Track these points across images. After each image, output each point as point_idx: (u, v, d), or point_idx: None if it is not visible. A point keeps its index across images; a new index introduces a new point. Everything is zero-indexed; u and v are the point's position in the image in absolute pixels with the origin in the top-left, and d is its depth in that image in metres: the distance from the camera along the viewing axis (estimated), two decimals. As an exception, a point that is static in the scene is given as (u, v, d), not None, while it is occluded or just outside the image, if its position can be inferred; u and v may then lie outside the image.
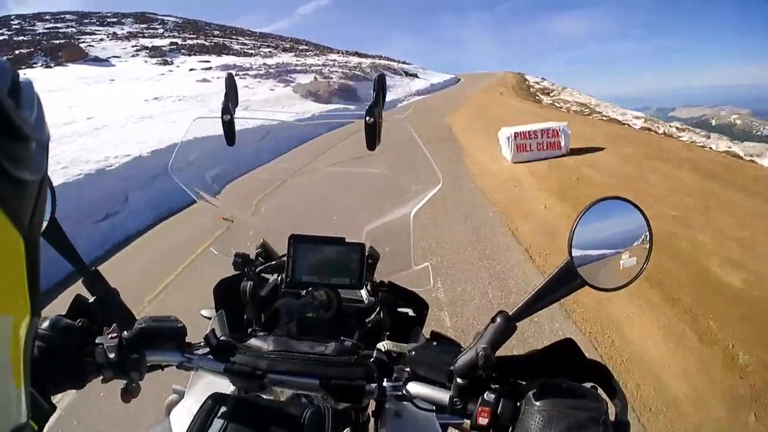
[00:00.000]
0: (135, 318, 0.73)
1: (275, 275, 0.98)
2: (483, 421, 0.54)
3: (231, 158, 1.11)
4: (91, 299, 0.73)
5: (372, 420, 0.78)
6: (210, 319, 0.94)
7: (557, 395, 0.50)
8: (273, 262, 0.99)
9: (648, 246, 0.52)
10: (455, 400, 0.58)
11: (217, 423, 0.58)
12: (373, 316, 0.91)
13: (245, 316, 0.95)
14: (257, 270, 0.96)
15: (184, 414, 0.75)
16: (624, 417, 0.51)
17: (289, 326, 0.88)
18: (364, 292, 0.94)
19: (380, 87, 0.76)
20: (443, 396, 0.60)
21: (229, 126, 0.85)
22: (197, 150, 1.09)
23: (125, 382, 0.70)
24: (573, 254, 0.51)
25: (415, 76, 32.88)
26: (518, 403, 0.53)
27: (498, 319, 0.55)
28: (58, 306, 0.69)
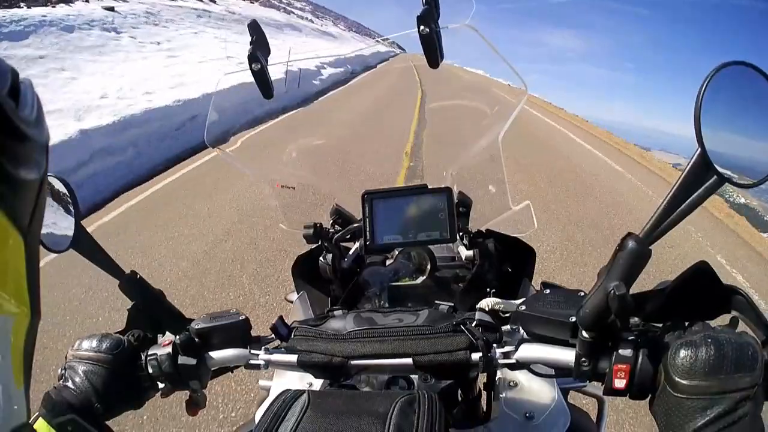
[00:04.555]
0: (187, 319, 0.64)
1: (358, 242, 0.83)
2: (620, 383, 0.43)
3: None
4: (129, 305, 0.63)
5: (484, 393, 0.67)
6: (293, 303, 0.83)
7: (703, 361, 0.39)
8: (352, 226, 0.84)
9: None
10: (582, 360, 0.46)
11: (286, 425, 0.47)
12: (473, 272, 0.76)
13: (331, 295, 0.82)
14: (333, 239, 0.82)
15: None
16: None
17: (377, 299, 0.75)
18: (459, 246, 0.80)
19: None
20: (567, 356, 0.48)
21: (261, 76, 0.72)
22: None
23: (189, 393, 0.62)
24: (704, 143, 0.38)
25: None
26: (658, 359, 0.43)
27: (629, 244, 0.41)
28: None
